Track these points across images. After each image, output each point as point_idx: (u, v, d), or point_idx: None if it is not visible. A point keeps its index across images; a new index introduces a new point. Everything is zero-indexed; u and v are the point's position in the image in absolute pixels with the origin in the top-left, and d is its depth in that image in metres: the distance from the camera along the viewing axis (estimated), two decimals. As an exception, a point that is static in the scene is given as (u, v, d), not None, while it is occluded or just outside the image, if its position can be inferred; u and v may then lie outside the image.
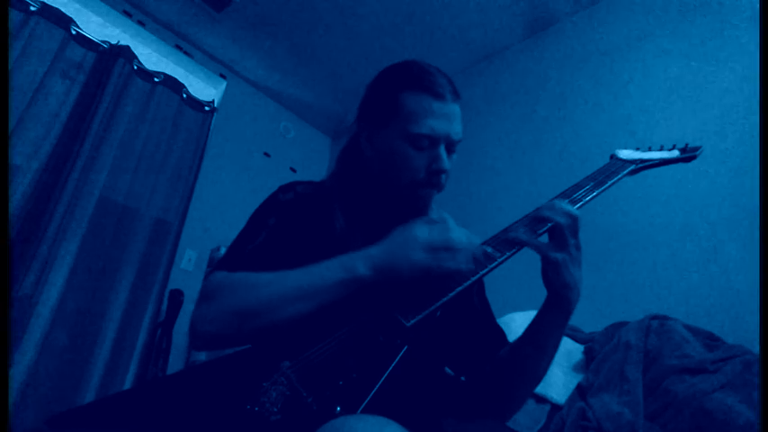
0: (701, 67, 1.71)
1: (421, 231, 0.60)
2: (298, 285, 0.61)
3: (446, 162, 0.73)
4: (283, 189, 0.80)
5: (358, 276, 0.60)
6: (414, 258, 0.58)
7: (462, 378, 0.79)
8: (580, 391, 1.14)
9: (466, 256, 0.59)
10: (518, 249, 0.64)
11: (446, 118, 0.72)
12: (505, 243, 0.64)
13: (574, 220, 0.62)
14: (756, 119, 1.47)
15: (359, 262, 0.61)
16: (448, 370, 0.82)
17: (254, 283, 0.63)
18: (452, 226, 0.61)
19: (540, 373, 0.69)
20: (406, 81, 0.74)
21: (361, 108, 0.82)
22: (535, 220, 0.65)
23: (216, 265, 0.70)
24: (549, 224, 0.63)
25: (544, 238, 0.64)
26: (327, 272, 0.61)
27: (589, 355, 1.27)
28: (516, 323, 1.34)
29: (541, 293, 0.67)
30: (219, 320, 0.62)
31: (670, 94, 1.77)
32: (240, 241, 0.74)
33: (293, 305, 0.60)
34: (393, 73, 0.78)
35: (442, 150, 0.73)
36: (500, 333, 0.81)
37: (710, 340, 1.13)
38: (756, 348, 1.03)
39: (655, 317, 1.24)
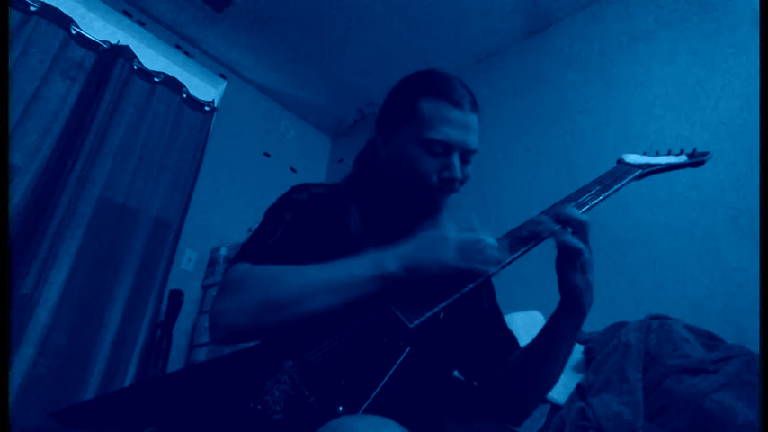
0: (701, 67, 1.72)
1: (451, 232, 0.60)
2: (327, 278, 0.60)
3: (458, 171, 0.72)
4: (296, 189, 0.80)
5: (387, 273, 0.59)
6: (444, 258, 0.58)
7: (475, 383, 0.78)
8: (580, 391, 1.15)
9: (494, 259, 0.59)
10: (533, 246, 0.63)
11: (462, 127, 0.72)
12: (519, 240, 0.64)
13: (581, 224, 0.62)
14: (756, 119, 1.48)
15: (388, 259, 0.60)
16: (457, 374, 0.81)
17: (282, 275, 0.61)
18: (479, 229, 0.61)
19: (552, 379, 0.69)
20: (426, 87, 0.74)
21: (380, 112, 0.83)
22: (538, 224, 0.65)
23: (236, 257, 0.68)
24: (558, 226, 0.63)
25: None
26: (356, 267, 0.60)
27: (589, 355, 1.27)
28: (516, 323, 1.34)
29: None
30: (245, 312, 0.59)
31: (670, 94, 1.77)
32: (259, 236, 0.72)
33: (321, 298, 0.58)
34: (413, 79, 0.79)
35: (456, 159, 0.72)
36: (511, 337, 0.80)
37: (710, 340, 1.13)
38: (756, 348, 1.03)
39: (655, 317, 1.24)
